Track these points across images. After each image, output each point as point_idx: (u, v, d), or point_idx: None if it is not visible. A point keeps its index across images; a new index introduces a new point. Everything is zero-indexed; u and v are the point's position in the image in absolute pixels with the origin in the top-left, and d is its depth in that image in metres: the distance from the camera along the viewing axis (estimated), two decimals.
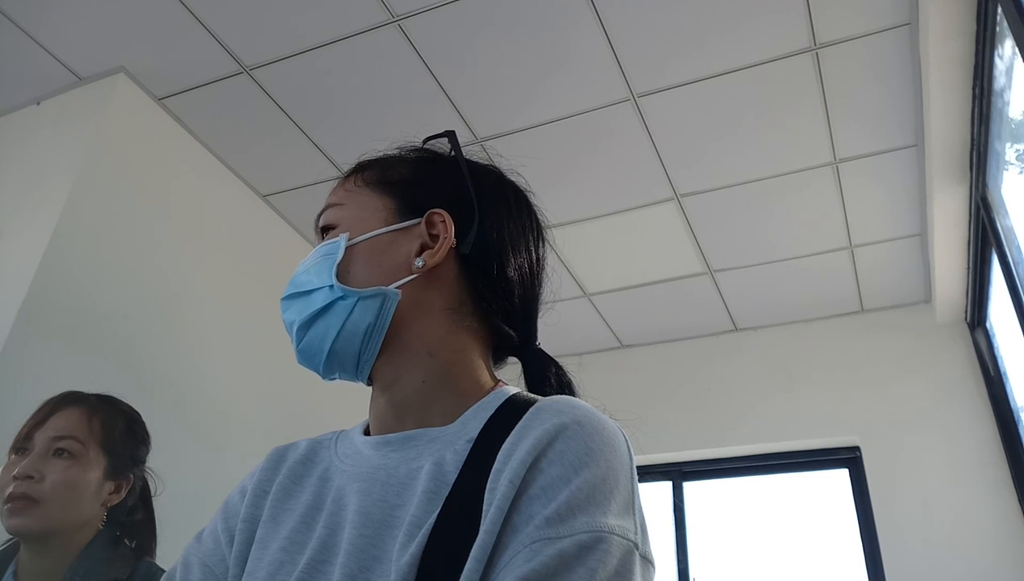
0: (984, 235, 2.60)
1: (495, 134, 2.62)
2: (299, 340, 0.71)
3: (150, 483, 1.37)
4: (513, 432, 0.60)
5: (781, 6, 2.14)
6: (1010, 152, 2.16)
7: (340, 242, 0.71)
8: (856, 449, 3.23)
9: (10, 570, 1.21)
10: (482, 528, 0.54)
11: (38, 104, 2.52)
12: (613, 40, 2.26)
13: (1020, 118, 2.04)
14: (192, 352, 2.42)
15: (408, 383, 0.69)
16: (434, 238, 0.71)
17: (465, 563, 0.53)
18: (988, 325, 3.03)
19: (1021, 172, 2.15)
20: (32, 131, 2.47)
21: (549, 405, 0.62)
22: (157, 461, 1.40)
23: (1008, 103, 2.05)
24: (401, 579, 0.55)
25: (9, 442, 1.26)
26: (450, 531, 0.56)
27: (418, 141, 0.80)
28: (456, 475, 0.60)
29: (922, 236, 2.98)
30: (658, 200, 2.89)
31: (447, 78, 2.41)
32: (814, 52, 2.27)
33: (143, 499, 1.35)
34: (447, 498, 0.59)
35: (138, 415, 1.38)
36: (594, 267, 3.29)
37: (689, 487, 3.50)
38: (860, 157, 2.64)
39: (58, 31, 2.31)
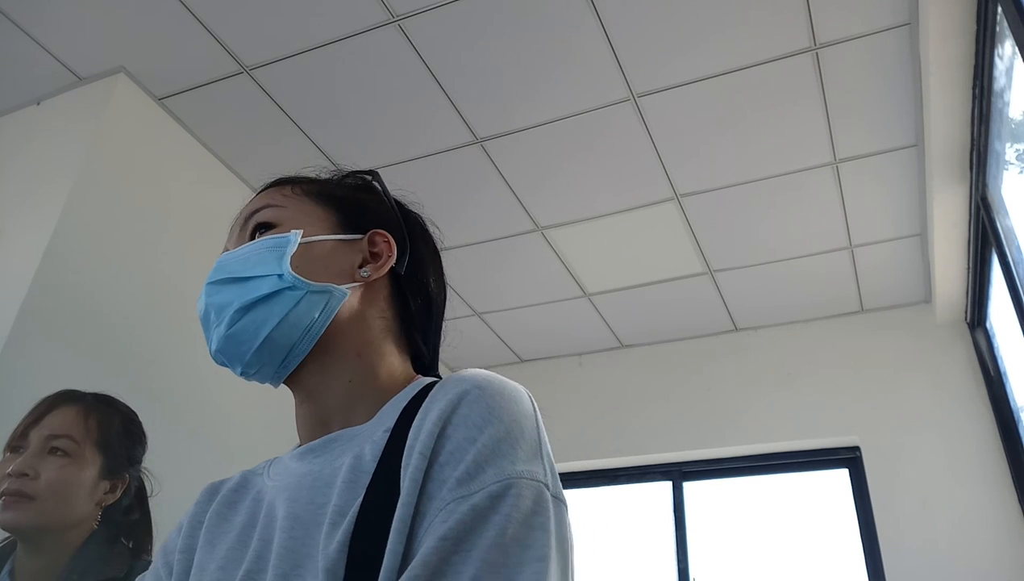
0: (984, 235, 2.60)
1: (495, 134, 2.62)
2: (231, 324, 0.70)
3: (146, 483, 1.37)
4: (421, 408, 0.63)
5: (781, 6, 2.14)
6: (1010, 152, 2.16)
7: (292, 237, 0.73)
8: (856, 449, 3.23)
9: (7, 568, 1.21)
10: (399, 501, 0.56)
11: (38, 104, 2.52)
12: (613, 40, 2.26)
13: (1020, 118, 2.04)
14: (191, 352, 2.42)
15: (334, 385, 0.71)
16: (375, 256, 0.76)
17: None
18: (988, 325, 3.03)
19: (1021, 172, 2.15)
20: (32, 131, 2.47)
21: (451, 378, 0.65)
22: (154, 461, 1.40)
23: (1008, 103, 2.05)
24: (330, 566, 0.56)
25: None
26: (374, 513, 0.57)
27: (349, 166, 0.88)
28: (376, 463, 0.62)
29: (922, 236, 2.98)
30: (658, 200, 2.89)
31: (447, 78, 2.41)
32: (814, 52, 2.27)
33: (139, 499, 1.34)
34: (369, 484, 0.60)
35: (135, 415, 1.37)
36: (594, 267, 3.29)
37: (689, 487, 3.49)
38: (860, 157, 2.64)
39: (58, 31, 2.31)
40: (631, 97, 2.46)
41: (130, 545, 1.29)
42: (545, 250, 3.19)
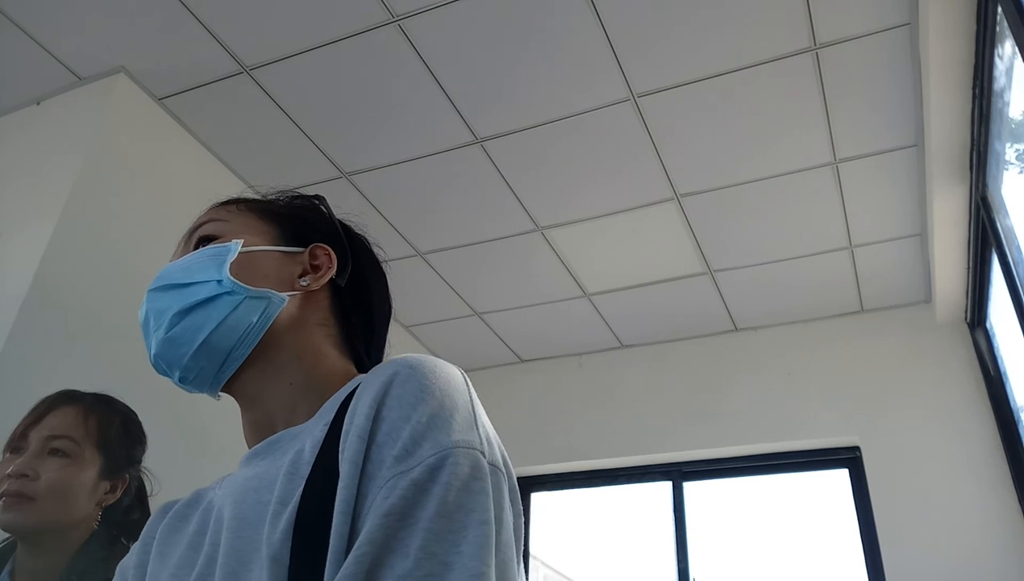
0: (984, 235, 2.60)
1: (495, 134, 2.62)
2: (170, 327, 0.72)
3: (146, 483, 1.37)
4: (354, 395, 0.64)
5: (781, 6, 2.14)
6: (1010, 152, 2.16)
7: (232, 246, 0.75)
8: (856, 449, 3.23)
9: (7, 569, 1.21)
10: (340, 484, 0.57)
11: (38, 104, 2.52)
12: (613, 40, 2.26)
13: (1020, 118, 2.04)
14: None
15: (276, 388, 0.73)
16: (315, 267, 0.79)
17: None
18: (988, 325, 3.03)
19: (1021, 172, 2.15)
20: (32, 131, 2.47)
21: (383, 363, 0.66)
22: (154, 461, 1.40)
23: (1008, 103, 2.05)
24: (274, 553, 0.57)
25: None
26: (315, 498, 0.58)
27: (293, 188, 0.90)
28: (316, 454, 0.63)
29: (922, 236, 2.99)
30: (658, 200, 2.89)
31: (447, 78, 2.41)
32: (814, 52, 2.27)
33: (139, 499, 1.34)
34: (309, 472, 0.61)
35: (134, 415, 1.37)
36: (594, 267, 3.29)
37: (689, 487, 3.49)
38: (860, 157, 2.64)
39: (58, 31, 2.31)
40: (631, 97, 2.46)
41: (130, 545, 1.29)
42: (545, 250, 3.19)
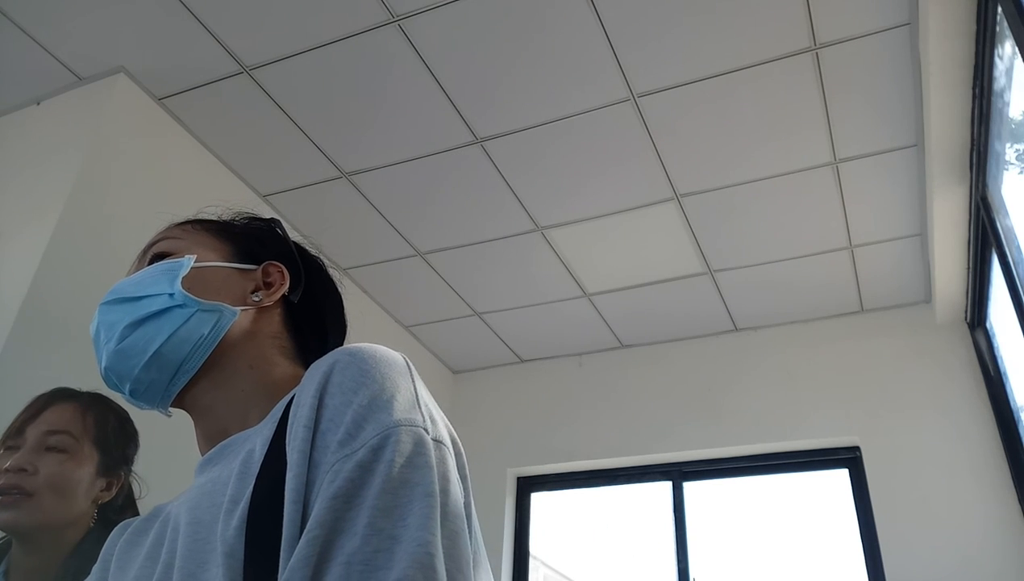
0: (984, 235, 2.60)
1: (495, 134, 2.62)
2: (121, 339, 0.72)
3: (135, 487, 1.36)
4: (297, 387, 0.65)
5: (781, 6, 2.14)
6: (1010, 152, 2.16)
7: (185, 262, 0.77)
8: (856, 449, 3.23)
9: (2, 567, 1.21)
10: (288, 474, 0.58)
11: (38, 104, 2.52)
12: (613, 40, 2.26)
13: (1020, 118, 2.04)
14: None
15: (228, 396, 0.74)
16: (268, 285, 0.80)
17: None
18: (988, 325, 3.03)
19: (1021, 172, 2.15)
20: (32, 131, 2.47)
21: (324, 356, 0.66)
22: (148, 463, 1.39)
23: (1008, 103, 2.05)
24: (229, 549, 0.58)
25: None
26: (266, 492, 0.59)
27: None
28: (265, 450, 0.63)
29: (922, 236, 2.98)
30: (658, 200, 2.89)
31: (447, 78, 2.41)
32: (814, 52, 2.27)
33: (130, 501, 1.33)
34: (260, 469, 0.62)
35: (128, 414, 1.37)
36: (594, 267, 3.29)
37: (689, 487, 3.49)
38: (860, 157, 2.64)
39: (58, 31, 2.31)
40: (631, 97, 2.46)
41: None
42: (545, 250, 3.19)
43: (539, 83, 2.42)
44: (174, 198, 2.52)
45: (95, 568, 0.77)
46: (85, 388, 1.34)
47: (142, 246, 0.86)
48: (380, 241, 3.13)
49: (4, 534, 1.24)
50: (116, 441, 1.30)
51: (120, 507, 1.30)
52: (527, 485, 3.79)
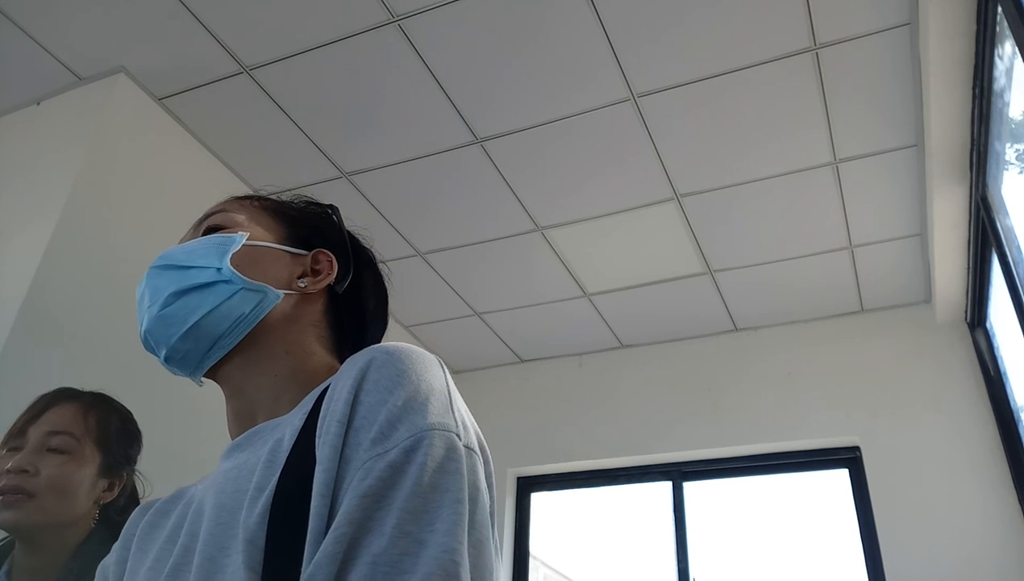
0: (984, 235, 2.60)
1: (495, 134, 2.62)
2: (164, 306, 0.73)
3: (138, 486, 1.36)
4: (332, 382, 0.65)
5: (781, 6, 2.14)
6: (1010, 152, 2.16)
7: (237, 238, 0.77)
8: (856, 449, 3.23)
9: (4, 568, 1.20)
10: (318, 468, 0.58)
11: (38, 104, 2.52)
12: (613, 40, 2.26)
13: (1020, 118, 2.04)
14: None
15: (261, 379, 0.74)
16: (316, 271, 0.80)
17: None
18: (988, 325, 3.03)
19: (1021, 172, 2.15)
20: (32, 131, 2.47)
21: (360, 351, 0.66)
22: (146, 463, 1.39)
23: (1008, 103, 2.05)
24: (250, 536, 0.58)
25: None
26: (293, 482, 0.60)
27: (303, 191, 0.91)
28: (294, 441, 0.63)
29: (922, 236, 2.98)
30: (658, 200, 2.89)
31: (447, 78, 2.41)
32: (814, 52, 2.27)
33: (133, 500, 1.33)
34: (287, 459, 0.62)
35: (131, 414, 1.37)
36: (594, 267, 3.29)
37: (689, 487, 3.49)
38: (860, 157, 2.64)
39: (58, 31, 2.31)
40: (631, 97, 2.46)
41: None
42: (545, 250, 3.19)
43: (539, 83, 2.42)
44: (174, 198, 2.52)
45: (116, 546, 0.77)
46: (87, 388, 1.34)
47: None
48: (380, 241, 3.11)
49: (7, 534, 1.24)
50: (118, 441, 1.30)
51: (123, 507, 1.30)
52: (527, 485, 3.79)
